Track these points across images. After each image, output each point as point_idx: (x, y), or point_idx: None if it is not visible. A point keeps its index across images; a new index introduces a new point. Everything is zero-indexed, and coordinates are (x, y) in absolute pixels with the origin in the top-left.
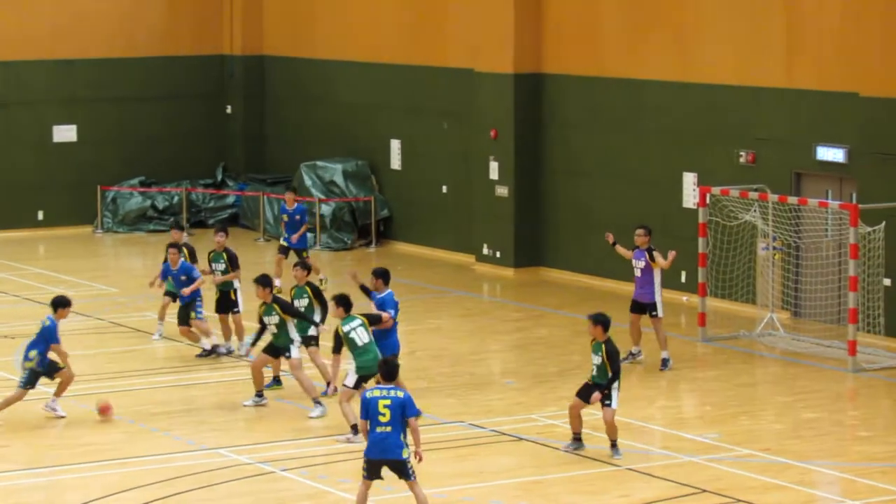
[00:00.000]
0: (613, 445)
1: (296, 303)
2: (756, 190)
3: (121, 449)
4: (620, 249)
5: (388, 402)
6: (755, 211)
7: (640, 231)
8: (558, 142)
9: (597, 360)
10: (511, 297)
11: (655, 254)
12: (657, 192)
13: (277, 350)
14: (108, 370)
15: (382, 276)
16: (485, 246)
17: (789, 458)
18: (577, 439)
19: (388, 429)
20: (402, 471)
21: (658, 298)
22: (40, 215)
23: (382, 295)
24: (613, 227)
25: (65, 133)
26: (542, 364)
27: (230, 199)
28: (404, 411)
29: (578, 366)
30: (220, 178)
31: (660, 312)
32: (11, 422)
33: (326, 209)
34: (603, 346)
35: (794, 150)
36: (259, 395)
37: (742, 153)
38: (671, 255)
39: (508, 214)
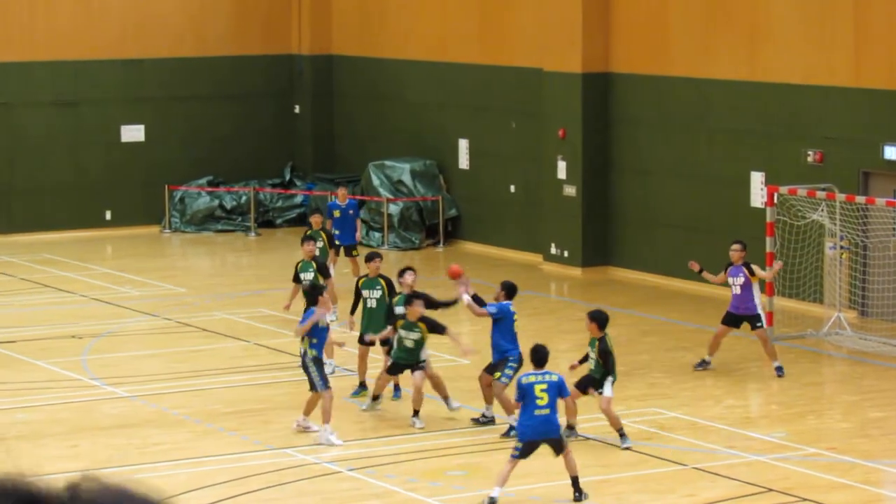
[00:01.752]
0: (622, 435)
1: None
2: (824, 189)
3: (189, 449)
4: (708, 276)
5: (544, 385)
6: (822, 210)
7: (736, 246)
8: (626, 141)
9: (593, 354)
10: (578, 297)
11: (755, 267)
12: (725, 192)
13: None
14: (176, 370)
15: (507, 289)
16: (552, 245)
17: (856, 458)
18: (571, 427)
19: (547, 411)
20: (559, 446)
21: (760, 310)
22: (108, 215)
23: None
24: (681, 227)
25: (133, 133)
26: None
27: (298, 199)
28: (560, 392)
29: (646, 365)
30: (287, 177)
31: (764, 323)
32: (80, 422)
33: (394, 209)
34: (597, 343)
35: (862, 149)
36: (375, 398)
37: (810, 152)
38: (777, 265)
39: (576, 214)
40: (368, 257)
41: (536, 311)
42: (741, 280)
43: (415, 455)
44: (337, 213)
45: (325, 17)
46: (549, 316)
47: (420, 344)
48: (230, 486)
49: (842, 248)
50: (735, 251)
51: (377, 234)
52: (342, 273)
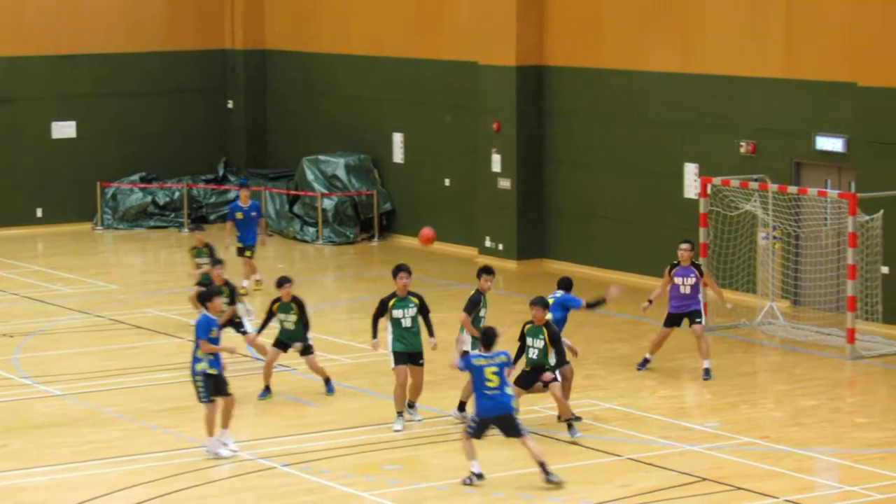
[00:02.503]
0: (570, 426)
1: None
2: (756, 180)
3: (121, 447)
4: (656, 294)
5: (494, 368)
6: (755, 201)
7: (685, 246)
8: (560, 134)
9: (539, 343)
10: (514, 290)
11: (705, 269)
12: (658, 183)
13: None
14: (108, 368)
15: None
16: (487, 238)
17: (789, 446)
18: (570, 424)
19: (498, 391)
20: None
21: (701, 307)
22: (39, 212)
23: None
24: (615, 219)
25: (64, 129)
26: None
27: (232, 195)
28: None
29: (582, 357)
30: (221, 173)
31: (703, 320)
32: (11, 421)
33: (329, 203)
34: (545, 329)
35: (794, 139)
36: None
37: (743, 143)
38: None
39: (511, 207)
40: (280, 283)
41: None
42: (692, 280)
43: (349, 450)
44: (240, 216)
45: (258, 11)
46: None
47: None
48: (163, 484)
49: (774, 238)
50: (685, 251)
51: (311, 229)
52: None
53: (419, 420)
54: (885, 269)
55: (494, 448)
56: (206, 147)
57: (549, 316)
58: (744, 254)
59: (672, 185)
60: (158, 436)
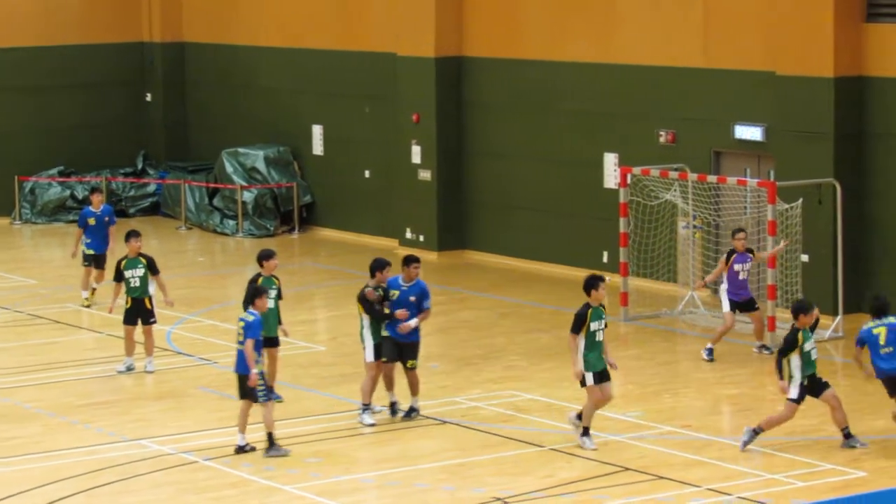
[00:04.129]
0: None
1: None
2: (676, 169)
3: (42, 443)
4: (711, 277)
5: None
6: (675, 190)
7: (741, 234)
8: (480, 125)
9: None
10: (435, 281)
11: (755, 251)
12: (579, 174)
13: None
14: (28, 363)
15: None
16: (408, 230)
17: (711, 435)
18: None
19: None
20: None
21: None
22: None
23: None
24: (536, 209)
25: None
26: (466, 347)
27: (151, 188)
28: None
29: (503, 347)
30: (140, 166)
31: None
32: None
33: (248, 196)
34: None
35: (713, 129)
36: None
37: (662, 133)
38: (783, 243)
39: (431, 198)
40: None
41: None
42: (749, 265)
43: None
44: (92, 221)
45: (175, 4)
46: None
47: None
48: (85, 479)
49: (694, 227)
50: (740, 239)
51: (231, 222)
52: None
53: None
54: (804, 258)
55: (418, 439)
56: (125, 140)
57: None
58: (664, 243)
59: (592, 176)
60: (80, 431)
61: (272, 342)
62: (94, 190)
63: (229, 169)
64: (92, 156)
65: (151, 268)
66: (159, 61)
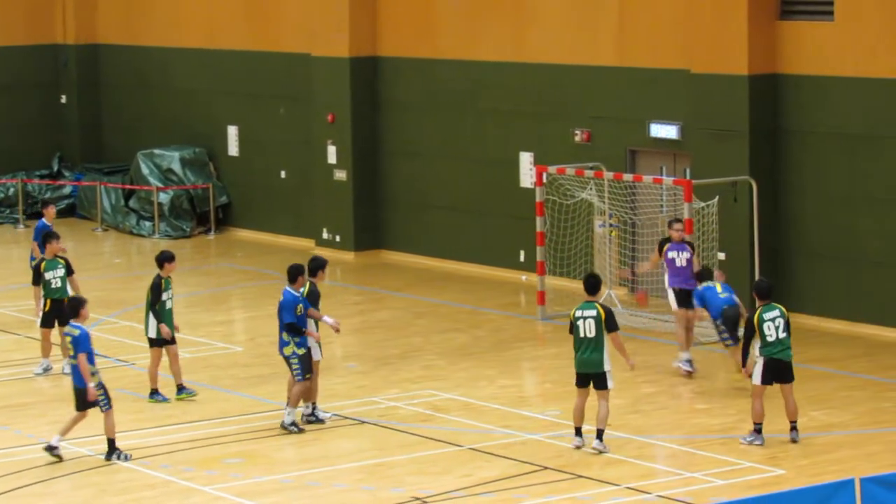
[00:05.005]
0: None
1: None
2: (592, 168)
3: None
4: (644, 266)
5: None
6: (591, 189)
7: (677, 225)
8: (395, 124)
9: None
10: (352, 281)
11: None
12: (494, 172)
13: None
14: None
15: None
16: (324, 230)
17: (629, 433)
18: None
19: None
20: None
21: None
22: None
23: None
24: (452, 208)
25: None
26: (384, 347)
27: (67, 190)
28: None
29: (421, 347)
30: (56, 168)
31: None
32: None
33: (164, 197)
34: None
35: (629, 127)
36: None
37: (577, 132)
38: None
39: (347, 198)
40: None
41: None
42: (687, 255)
43: (189, 444)
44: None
45: (89, 5)
46: (323, 301)
47: None
48: (4, 481)
49: (611, 225)
50: (678, 230)
51: (147, 224)
52: None
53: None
54: (721, 255)
55: (337, 439)
56: (40, 142)
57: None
58: (581, 242)
59: (507, 175)
60: (1, 433)
61: (171, 340)
62: (46, 203)
63: (145, 170)
64: (7, 157)
65: (68, 268)
66: (74, 63)
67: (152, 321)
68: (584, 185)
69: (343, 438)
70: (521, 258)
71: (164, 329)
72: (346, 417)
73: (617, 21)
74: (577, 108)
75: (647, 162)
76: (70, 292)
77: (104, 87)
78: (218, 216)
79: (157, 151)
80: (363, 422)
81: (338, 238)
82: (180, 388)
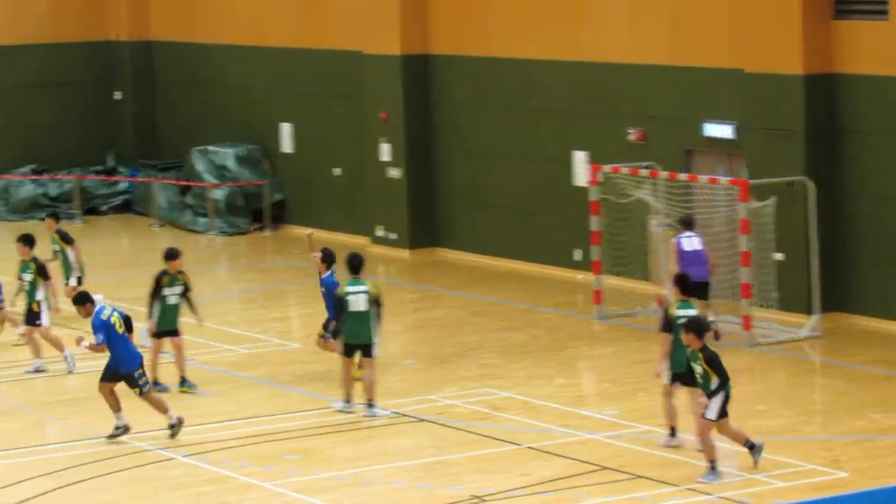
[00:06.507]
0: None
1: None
2: (647, 167)
3: (21, 439)
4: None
5: None
6: (646, 188)
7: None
8: (449, 122)
9: (698, 369)
10: (407, 279)
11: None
12: (548, 171)
13: None
14: (5, 360)
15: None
16: (380, 228)
17: (688, 434)
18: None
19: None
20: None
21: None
22: None
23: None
24: (506, 207)
25: None
26: (440, 345)
27: (122, 186)
28: None
29: (478, 346)
30: (111, 164)
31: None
32: None
33: (220, 194)
34: (700, 354)
35: (683, 126)
36: None
37: (631, 131)
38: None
39: (401, 196)
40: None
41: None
42: (695, 240)
43: (247, 440)
44: None
45: (142, 2)
46: None
47: None
48: (63, 475)
49: (667, 225)
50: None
51: (203, 220)
52: None
53: None
54: (779, 256)
55: (395, 437)
56: (95, 139)
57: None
58: (637, 241)
59: (561, 173)
60: (56, 427)
61: (174, 333)
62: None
63: (199, 167)
64: (63, 154)
65: (42, 273)
66: (128, 60)
67: (154, 313)
68: (639, 185)
69: (401, 436)
70: (577, 257)
71: (150, 325)
72: (404, 415)
73: (670, 20)
74: (631, 107)
75: (703, 161)
76: (41, 295)
77: (158, 83)
78: (273, 213)
79: (211, 148)
80: (421, 419)
81: (393, 236)
82: (182, 381)
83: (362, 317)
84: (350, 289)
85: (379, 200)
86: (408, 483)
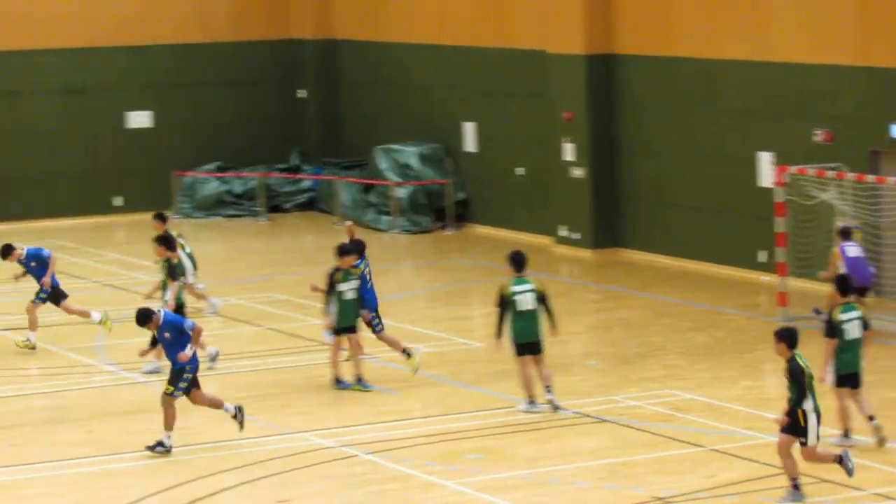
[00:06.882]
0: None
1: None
2: (833, 169)
3: (206, 433)
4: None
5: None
6: (833, 190)
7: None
8: (632, 122)
9: (786, 381)
10: (590, 279)
11: None
12: (733, 172)
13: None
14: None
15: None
16: (563, 227)
17: (869, 437)
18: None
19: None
20: None
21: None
22: (117, 201)
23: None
24: (690, 207)
25: (139, 119)
26: (624, 346)
27: (306, 184)
28: None
29: (661, 346)
30: (295, 162)
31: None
32: (97, 407)
33: (403, 192)
34: (786, 364)
35: (870, 128)
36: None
37: (817, 132)
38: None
39: (585, 196)
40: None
41: (549, 294)
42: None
43: (430, 438)
44: (33, 263)
45: (327, 1)
46: (562, 298)
47: None
48: (250, 470)
49: (856, 227)
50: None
51: (386, 218)
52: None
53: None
54: None
55: (577, 437)
56: (279, 137)
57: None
58: (823, 243)
59: (745, 174)
60: (247, 423)
61: (352, 330)
62: None
63: (383, 165)
64: (247, 152)
65: (171, 274)
66: (312, 58)
67: (331, 310)
68: (824, 186)
69: (583, 436)
70: (762, 258)
71: (329, 322)
72: (587, 415)
73: (857, 20)
74: (817, 108)
75: (890, 163)
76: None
77: (342, 82)
78: (456, 212)
79: (394, 147)
80: (603, 420)
81: (576, 236)
82: (358, 380)
83: (531, 315)
84: (516, 288)
85: (562, 200)
86: (593, 483)
